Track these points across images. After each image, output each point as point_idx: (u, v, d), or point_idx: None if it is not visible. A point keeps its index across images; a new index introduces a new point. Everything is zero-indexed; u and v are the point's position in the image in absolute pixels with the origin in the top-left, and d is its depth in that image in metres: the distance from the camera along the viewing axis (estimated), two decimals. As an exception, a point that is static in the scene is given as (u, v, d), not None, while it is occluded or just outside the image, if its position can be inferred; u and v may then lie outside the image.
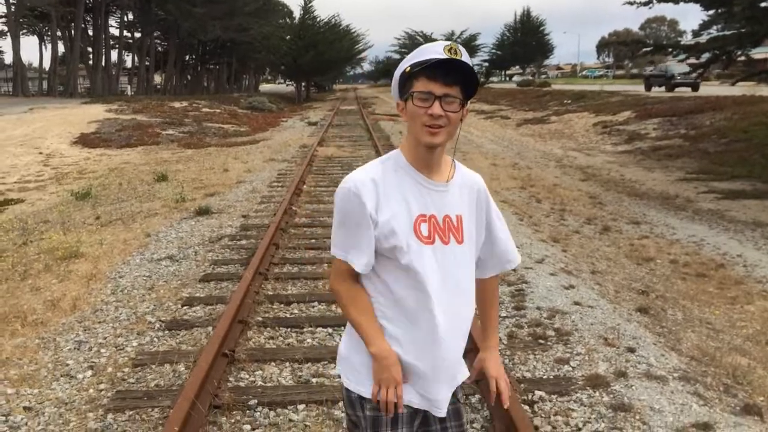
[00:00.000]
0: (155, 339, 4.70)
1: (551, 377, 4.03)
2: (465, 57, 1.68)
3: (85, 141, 20.01)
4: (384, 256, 1.74)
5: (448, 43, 1.68)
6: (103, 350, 4.50)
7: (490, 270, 1.96)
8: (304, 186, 11.29)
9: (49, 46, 48.02)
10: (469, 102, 1.75)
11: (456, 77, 1.67)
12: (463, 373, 1.90)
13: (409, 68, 1.71)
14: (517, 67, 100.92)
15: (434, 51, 1.67)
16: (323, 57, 56.24)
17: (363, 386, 1.81)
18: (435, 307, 1.73)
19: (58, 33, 46.12)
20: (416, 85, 1.68)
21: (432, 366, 1.77)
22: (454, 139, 1.78)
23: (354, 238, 1.74)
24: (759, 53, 30.96)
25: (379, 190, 1.73)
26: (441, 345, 1.76)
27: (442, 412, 1.82)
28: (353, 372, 1.85)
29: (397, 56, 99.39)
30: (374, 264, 1.76)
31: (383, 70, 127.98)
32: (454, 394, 1.88)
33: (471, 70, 1.68)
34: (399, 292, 1.75)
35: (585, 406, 3.66)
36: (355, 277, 1.81)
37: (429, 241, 1.73)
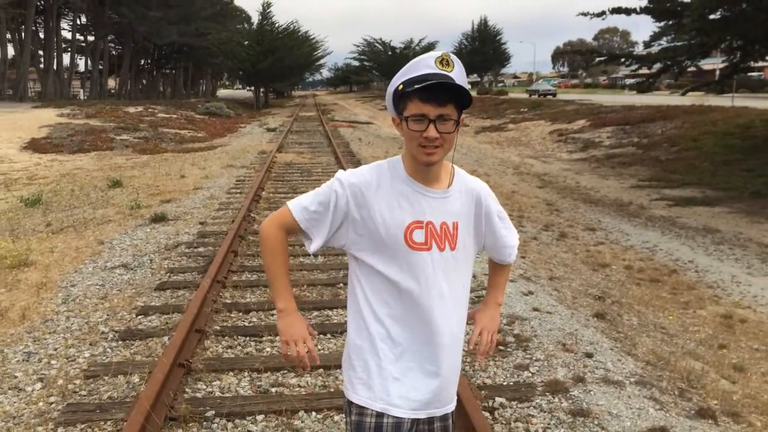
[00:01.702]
0: (108, 350, 4.56)
1: (511, 384, 4.05)
2: (457, 67, 1.68)
3: (35, 146, 19.44)
4: (371, 257, 1.77)
5: (440, 54, 1.67)
6: (53, 362, 4.35)
7: (495, 258, 2.07)
8: (263, 192, 11.17)
9: (-2, 48, 46.62)
10: (463, 113, 1.73)
11: (449, 95, 1.65)
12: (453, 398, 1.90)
13: (401, 86, 1.68)
14: (475, 75, 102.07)
15: (426, 65, 1.66)
16: (282, 63, 55.95)
17: (352, 393, 1.82)
18: (425, 307, 1.76)
19: (8, 35, 44.77)
20: (410, 107, 1.67)
21: (425, 356, 1.80)
22: (451, 150, 1.79)
23: (320, 215, 1.76)
24: (708, 64, 32.01)
25: (367, 193, 1.75)
26: (435, 340, 1.79)
27: (437, 410, 1.83)
28: (347, 379, 1.86)
29: (356, 63, 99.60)
30: (369, 266, 1.79)
31: (342, 77, 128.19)
32: (445, 419, 1.88)
33: (461, 88, 1.66)
34: (390, 293, 1.78)
35: (545, 412, 3.69)
36: (288, 233, 1.83)
37: (425, 247, 1.75)
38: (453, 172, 1.85)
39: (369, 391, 1.78)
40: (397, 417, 1.76)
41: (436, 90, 1.63)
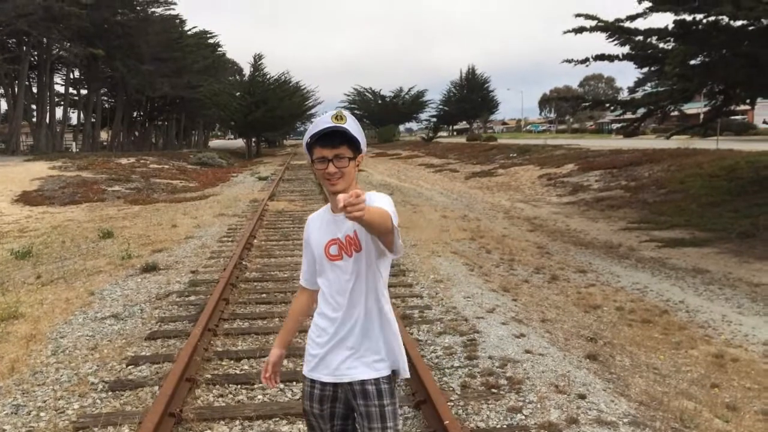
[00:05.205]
0: (98, 401, 4.52)
1: (504, 426, 4.03)
2: (349, 119, 2.22)
3: (27, 199, 19.47)
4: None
5: (335, 111, 2.22)
6: (42, 414, 4.30)
7: None
8: (255, 240, 11.18)
9: (-9, 103, 47.05)
10: (364, 150, 2.29)
11: (341, 139, 2.20)
12: (375, 368, 2.29)
13: (309, 139, 2.23)
14: (464, 122, 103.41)
15: (324, 121, 2.20)
16: (274, 113, 56.51)
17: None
18: (334, 304, 2.31)
19: (1, 90, 45.23)
20: (315, 152, 2.24)
21: (334, 345, 2.31)
22: (354, 180, 2.29)
23: (304, 259, 2.50)
24: (691, 108, 32.63)
25: (314, 225, 2.42)
26: (338, 329, 2.30)
27: (340, 377, 2.30)
28: None
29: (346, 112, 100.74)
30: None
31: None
32: (377, 380, 2.28)
33: (349, 133, 2.19)
34: (321, 295, 2.38)
35: (538, 454, 3.66)
36: (306, 287, 2.52)
37: (337, 257, 2.30)
38: None
39: (305, 365, 2.40)
40: (320, 381, 2.33)
41: (330, 137, 2.19)
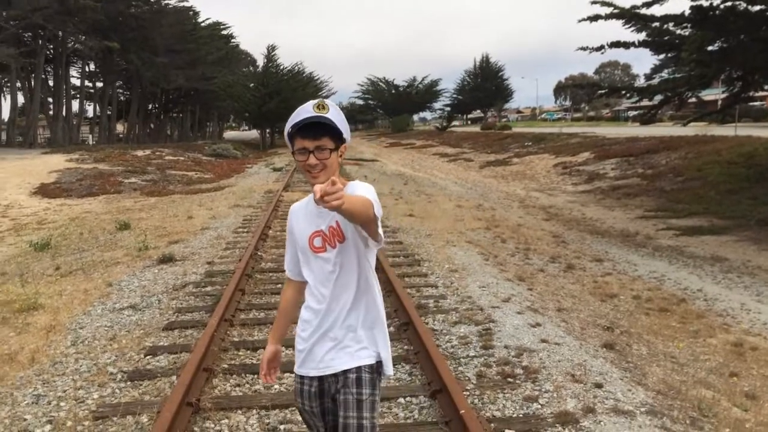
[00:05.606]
0: (117, 390, 4.56)
1: (521, 415, 4.02)
2: (332, 109, 2.16)
3: (45, 191, 19.68)
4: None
5: (317, 101, 2.16)
6: (62, 404, 4.35)
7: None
8: (270, 231, 11.23)
9: (8, 96, 47.50)
10: (347, 140, 2.22)
11: (323, 130, 2.13)
12: (358, 357, 2.24)
13: (290, 129, 2.16)
14: (479, 111, 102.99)
15: (306, 111, 2.14)
16: (287, 104, 56.54)
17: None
18: (318, 295, 2.26)
19: (18, 84, 45.65)
20: (296, 144, 2.16)
21: (318, 337, 2.27)
22: (336, 172, 2.21)
23: (288, 249, 2.45)
24: (709, 95, 32.24)
25: (297, 215, 2.37)
26: (322, 321, 2.26)
27: (324, 370, 2.25)
28: None
29: (360, 102, 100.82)
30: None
31: (347, 115, 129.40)
32: (358, 369, 2.23)
33: (332, 123, 2.13)
34: (308, 288, 2.33)
35: (555, 443, 3.65)
36: (292, 278, 2.46)
37: (321, 249, 2.25)
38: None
39: (295, 362, 2.34)
40: (308, 376, 2.28)
41: (312, 127, 2.11)
